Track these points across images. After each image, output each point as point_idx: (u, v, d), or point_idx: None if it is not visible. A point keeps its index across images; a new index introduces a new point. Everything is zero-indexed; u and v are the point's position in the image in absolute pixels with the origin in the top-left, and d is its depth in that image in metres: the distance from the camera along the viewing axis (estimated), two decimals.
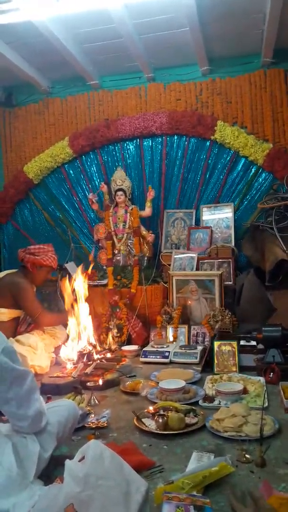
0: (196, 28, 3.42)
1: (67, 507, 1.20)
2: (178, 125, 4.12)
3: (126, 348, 3.42)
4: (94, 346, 3.15)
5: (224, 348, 2.88)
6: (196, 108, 4.17)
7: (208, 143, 4.13)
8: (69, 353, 3.03)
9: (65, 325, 3.21)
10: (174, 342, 3.38)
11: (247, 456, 1.74)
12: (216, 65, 4.10)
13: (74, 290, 3.26)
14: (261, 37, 3.66)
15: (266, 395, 2.23)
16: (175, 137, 4.24)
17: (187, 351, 3.17)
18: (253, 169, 4.05)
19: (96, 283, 3.87)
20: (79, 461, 1.34)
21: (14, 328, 3.13)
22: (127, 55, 3.91)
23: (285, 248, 3.44)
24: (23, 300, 3.06)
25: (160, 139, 4.28)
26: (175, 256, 3.89)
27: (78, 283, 3.28)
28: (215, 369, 2.83)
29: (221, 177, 4.14)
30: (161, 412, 2.07)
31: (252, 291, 3.43)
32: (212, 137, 4.06)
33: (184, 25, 3.42)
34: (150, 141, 4.32)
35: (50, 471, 1.60)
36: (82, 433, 1.98)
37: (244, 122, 4.06)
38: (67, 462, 1.34)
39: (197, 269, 3.75)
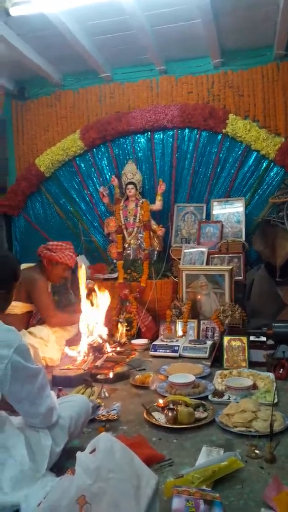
0: (209, 20, 3.38)
1: (78, 498, 1.21)
2: (189, 118, 4.09)
3: (135, 341, 3.44)
4: (105, 340, 3.17)
5: (234, 343, 2.88)
6: (208, 101, 4.14)
7: (219, 137, 4.11)
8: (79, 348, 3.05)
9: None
10: (183, 337, 3.39)
11: (257, 451, 1.74)
12: (228, 58, 4.06)
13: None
14: (274, 30, 3.61)
15: (276, 391, 2.23)
16: (187, 130, 4.21)
17: (197, 345, 3.18)
18: (264, 163, 4.02)
19: (107, 277, 3.88)
20: (90, 453, 1.36)
21: (27, 321, 3.16)
22: (139, 48, 3.89)
23: None
24: (36, 298, 3.08)
25: (171, 132, 4.26)
26: (185, 251, 3.88)
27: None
28: (225, 364, 2.83)
29: (232, 171, 4.12)
30: (171, 406, 2.09)
31: (262, 286, 3.42)
32: (223, 131, 4.03)
33: (197, 17, 3.38)
34: (161, 134, 4.30)
35: (62, 463, 1.63)
36: (92, 425, 2.00)
37: (256, 115, 4.03)
38: (79, 454, 1.35)
39: (207, 263, 3.75)
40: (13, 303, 2.97)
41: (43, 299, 3.11)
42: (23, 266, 3.26)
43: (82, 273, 3.26)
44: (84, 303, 3.19)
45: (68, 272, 3.35)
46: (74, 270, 3.88)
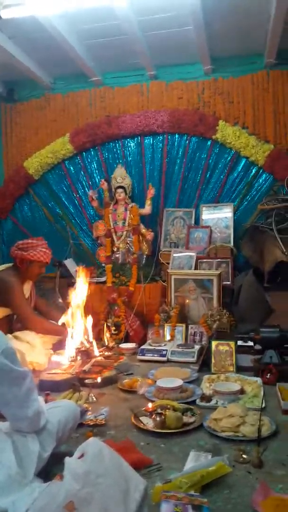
0: (200, 27, 3.42)
1: (66, 504, 1.20)
2: (179, 124, 4.12)
3: (123, 345, 3.43)
4: (91, 343, 3.14)
5: (221, 348, 2.89)
6: (198, 107, 4.18)
7: (209, 143, 4.14)
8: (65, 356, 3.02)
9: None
10: (171, 341, 3.39)
11: (244, 456, 1.74)
12: (219, 65, 4.10)
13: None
14: (265, 38, 3.66)
15: (263, 396, 2.24)
16: (176, 136, 4.24)
17: (184, 350, 3.18)
18: (253, 170, 4.06)
19: (95, 281, 3.87)
20: (79, 458, 1.34)
21: (7, 325, 3.08)
22: (130, 52, 3.91)
23: (284, 250, 3.45)
24: (10, 300, 3.00)
25: (161, 137, 4.28)
26: (174, 255, 3.89)
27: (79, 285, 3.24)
28: (212, 369, 2.84)
29: (222, 177, 4.15)
30: (159, 411, 2.08)
31: (250, 291, 3.45)
32: (213, 137, 4.06)
33: (188, 23, 3.42)
34: (151, 139, 4.32)
35: (49, 468, 1.61)
36: (80, 430, 1.98)
37: (245, 122, 4.07)
38: (67, 459, 1.34)
39: (196, 268, 3.76)
40: None
41: (16, 301, 3.01)
42: None
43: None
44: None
45: (44, 268, 3.25)
46: (64, 273, 3.86)
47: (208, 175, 4.20)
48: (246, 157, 4.03)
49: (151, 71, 4.23)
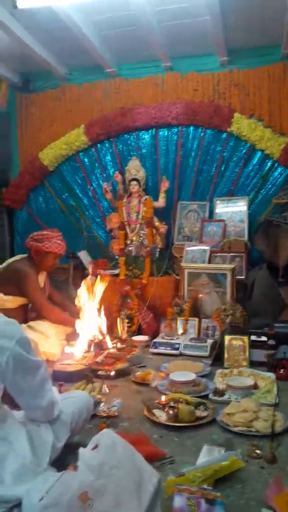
0: (217, 18, 3.36)
1: (80, 494, 1.21)
2: (194, 116, 4.08)
3: (136, 338, 3.44)
4: (105, 335, 3.16)
5: (235, 342, 2.88)
6: (213, 99, 4.13)
7: (224, 135, 4.09)
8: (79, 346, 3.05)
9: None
10: (184, 335, 3.39)
11: (258, 451, 1.74)
12: (235, 56, 4.04)
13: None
14: (282, 29, 3.59)
15: (277, 392, 2.23)
16: (191, 128, 4.19)
17: (197, 344, 3.18)
18: (268, 163, 4.01)
19: (108, 273, 3.88)
20: (92, 449, 1.36)
21: (24, 315, 3.13)
22: (145, 44, 3.87)
23: None
24: (25, 289, 3.04)
25: (176, 129, 4.24)
26: (188, 249, 3.87)
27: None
28: (225, 363, 2.83)
29: (236, 170, 4.10)
30: (172, 404, 2.09)
31: (264, 286, 3.42)
32: (228, 129, 4.01)
33: (204, 14, 3.36)
34: (166, 131, 4.28)
35: (63, 458, 1.62)
36: (93, 421, 1.99)
37: (261, 115, 4.01)
38: (81, 450, 1.35)
39: (209, 262, 3.74)
40: (5, 297, 2.98)
41: (31, 290, 3.05)
42: (13, 259, 3.26)
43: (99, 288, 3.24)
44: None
45: (58, 260, 3.29)
46: (78, 265, 3.87)
47: (222, 168, 4.15)
48: (261, 150, 3.97)
49: (166, 63, 4.18)
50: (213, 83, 4.13)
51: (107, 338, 3.13)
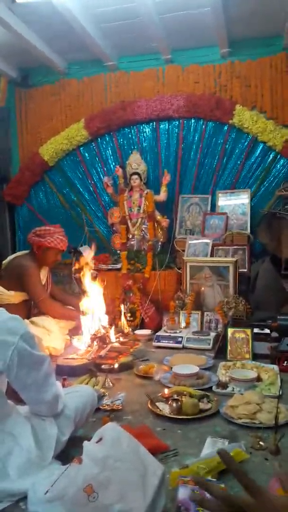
0: (218, 9, 3.33)
1: (86, 487, 1.22)
2: (195, 109, 4.05)
3: (139, 332, 3.45)
4: (107, 329, 3.17)
5: (237, 335, 2.88)
6: (215, 92, 4.10)
7: (226, 128, 4.07)
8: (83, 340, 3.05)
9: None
10: (186, 328, 3.39)
11: (261, 443, 1.75)
12: (236, 47, 4.00)
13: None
14: (284, 19, 3.55)
15: (280, 384, 2.23)
16: (192, 121, 4.17)
17: (200, 337, 3.18)
18: (271, 155, 3.98)
19: (110, 267, 3.88)
20: (97, 442, 1.36)
21: (26, 311, 3.14)
22: (145, 36, 3.83)
23: None
24: (26, 284, 3.04)
25: (177, 122, 4.22)
26: (190, 242, 3.87)
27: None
28: (228, 356, 2.83)
29: (238, 162, 4.08)
30: (175, 397, 2.09)
31: (267, 279, 3.42)
32: (230, 121, 3.99)
33: (205, 5, 3.33)
34: (167, 124, 4.26)
35: (67, 452, 1.63)
36: (97, 415, 2.00)
37: (263, 106, 3.98)
38: (85, 443, 1.36)
39: (212, 255, 3.73)
40: (8, 292, 2.99)
41: (32, 285, 3.05)
42: (16, 254, 3.26)
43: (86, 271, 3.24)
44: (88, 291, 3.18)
45: (60, 256, 3.29)
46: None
47: (224, 161, 4.13)
48: (263, 142, 3.95)
49: (167, 55, 4.15)
50: (214, 75, 4.10)
51: (110, 332, 3.13)
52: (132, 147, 4.30)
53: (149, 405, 2.11)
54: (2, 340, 1.40)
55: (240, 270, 3.56)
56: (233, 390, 2.26)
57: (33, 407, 1.57)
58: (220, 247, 3.78)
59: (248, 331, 2.87)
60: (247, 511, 0.75)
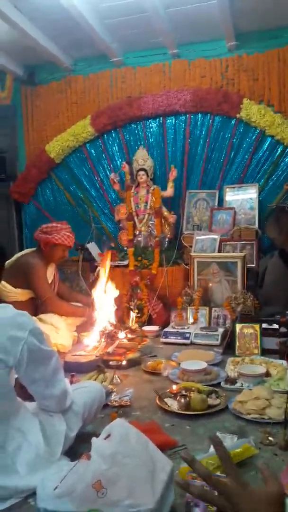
0: (224, 1, 3.30)
1: (94, 483, 1.22)
2: (202, 103, 4.02)
3: (146, 328, 3.44)
4: (115, 325, 3.17)
5: (246, 330, 2.86)
6: (221, 86, 4.06)
7: (233, 122, 4.03)
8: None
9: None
10: (194, 324, 3.38)
11: (271, 438, 1.74)
12: (243, 40, 3.96)
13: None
14: None
15: None
16: (199, 115, 4.14)
17: (208, 332, 3.17)
18: (279, 149, 3.94)
19: (117, 264, 3.87)
20: (105, 439, 1.36)
21: (33, 308, 3.14)
22: (151, 31, 3.81)
23: None
24: (32, 283, 3.04)
25: (183, 117, 4.18)
26: (197, 238, 3.85)
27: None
28: (237, 352, 2.82)
29: (246, 156, 4.04)
30: (184, 393, 2.08)
31: (275, 274, 3.39)
32: (237, 116, 3.95)
33: None
34: (174, 119, 4.23)
35: (75, 448, 1.63)
36: (105, 411, 2.00)
37: (271, 100, 3.94)
38: (94, 440, 1.36)
39: (219, 251, 3.71)
40: (14, 290, 2.99)
41: (38, 283, 3.05)
42: (23, 252, 3.27)
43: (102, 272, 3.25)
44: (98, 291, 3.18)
45: (67, 252, 3.28)
46: (87, 257, 3.87)
47: (232, 155, 4.10)
48: (271, 136, 3.91)
49: (173, 50, 4.12)
50: (221, 69, 4.06)
51: (118, 329, 3.13)
52: (139, 143, 4.29)
53: (157, 401, 2.10)
54: (12, 335, 1.41)
55: (248, 265, 3.54)
56: (241, 386, 2.25)
57: (41, 402, 1.57)
58: (228, 243, 3.76)
59: (257, 326, 2.85)
60: (231, 499, 0.77)
